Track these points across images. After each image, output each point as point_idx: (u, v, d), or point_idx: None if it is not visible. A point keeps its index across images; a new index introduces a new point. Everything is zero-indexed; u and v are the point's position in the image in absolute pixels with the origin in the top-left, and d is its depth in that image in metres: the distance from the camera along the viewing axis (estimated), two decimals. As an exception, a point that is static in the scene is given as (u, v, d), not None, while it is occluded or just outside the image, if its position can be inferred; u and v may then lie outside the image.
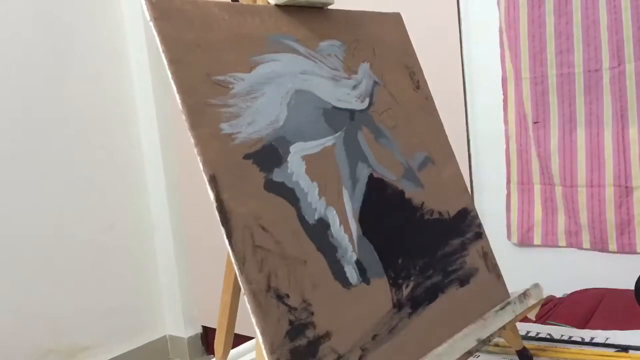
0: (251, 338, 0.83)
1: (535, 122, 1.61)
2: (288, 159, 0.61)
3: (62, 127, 2.24)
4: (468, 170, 1.77)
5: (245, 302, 0.54)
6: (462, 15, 1.72)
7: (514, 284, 0.84)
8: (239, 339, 0.84)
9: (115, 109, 2.43)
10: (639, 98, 1.48)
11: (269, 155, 0.60)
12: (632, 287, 1.17)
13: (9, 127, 2.10)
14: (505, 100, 1.67)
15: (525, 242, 1.67)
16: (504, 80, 1.65)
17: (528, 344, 0.89)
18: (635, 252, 1.51)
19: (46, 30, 2.21)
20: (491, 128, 1.74)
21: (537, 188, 1.67)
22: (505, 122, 1.68)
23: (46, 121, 2.20)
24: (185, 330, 2.57)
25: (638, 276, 1.16)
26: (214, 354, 0.79)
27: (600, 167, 1.57)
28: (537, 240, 1.66)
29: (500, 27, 1.64)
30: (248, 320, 0.54)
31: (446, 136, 0.82)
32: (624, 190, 1.53)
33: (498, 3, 1.62)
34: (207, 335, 2.61)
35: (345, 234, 0.63)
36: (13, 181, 2.10)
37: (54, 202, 2.20)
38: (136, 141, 2.50)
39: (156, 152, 2.49)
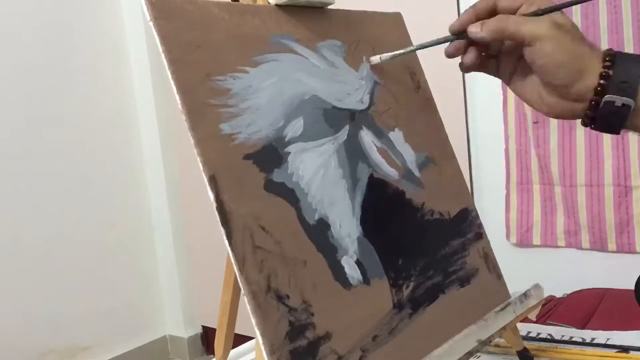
0: (251, 338, 0.83)
1: (535, 122, 1.61)
2: (288, 159, 0.61)
3: (62, 127, 2.24)
4: (468, 170, 1.77)
5: (245, 302, 0.54)
6: (462, 15, 1.72)
7: (513, 284, 0.83)
8: (239, 339, 0.84)
9: (115, 108, 2.44)
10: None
11: (269, 155, 0.60)
12: (632, 287, 1.17)
13: (9, 127, 2.10)
14: (504, 101, 1.67)
15: (524, 242, 1.68)
16: (504, 80, 1.65)
17: (529, 345, 0.89)
18: (634, 252, 1.51)
19: (46, 31, 2.21)
20: (491, 128, 1.74)
21: (536, 188, 1.67)
22: (505, 122, 1.68)
23: (46, 121, 2.20)
24: (185, 330, 2.57)
25: (638, 276, 1.16)
26: (214, 354, 0.79)
27: (599, 167, 1.57)
28: (536, 240, 1.66)
29: (501, 27, 1.64)
30: (248, 320, 0.54)
31: (447, 136, 0.82)
32: (623, 190, 1.53)
33: (498, 3, 1.62)
34: (207, 335, 2.61)
35: (346, 234, 0.63)
36: (13, 181, 2.10)
37: (54, 202, 2.20)
38: (136, 141, 2.51)
39: (156, 152, 2.50)
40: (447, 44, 0.67)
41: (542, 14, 0.58)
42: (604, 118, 0.56)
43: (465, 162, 1.77)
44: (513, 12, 0.60)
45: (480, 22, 0.60)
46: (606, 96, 0.55)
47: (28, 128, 2.14)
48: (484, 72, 0.68)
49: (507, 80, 0.66)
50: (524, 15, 0.59)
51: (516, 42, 0.60)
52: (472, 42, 0.64)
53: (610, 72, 0.55)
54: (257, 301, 0.53)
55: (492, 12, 0.61)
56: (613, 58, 0.55)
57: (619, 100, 0.54)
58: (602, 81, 0.55)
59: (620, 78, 0.54)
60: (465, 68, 0.66)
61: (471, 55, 0.64)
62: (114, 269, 2.38)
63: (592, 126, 0.58)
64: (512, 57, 0.64)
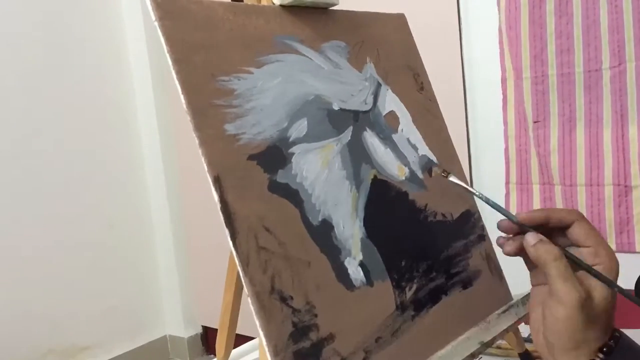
0: (252, 338, 0.83)
1: (535, 122, 1.61)
2: (292, 160, 0.61)
3: (62, 127, 2.24)
4: (468, 170, 1.77)
5: (246, 302, 0.54)
6: (462, 15, 1.72)
7: (516, 286, 0.83)
8: (240, 339, 0.84)
9: (115, 109, 2.43)
10: (639, 97, 1.48)
11: (273, 156, 0.60)
12: (632, 287, 1.17)
13: (9, 127, 2.10)
14: (504, 100, 1.67)
15: (525, 242, 1.67)
16: (504, 80, 1.65)
17: (531, 347, 0.89)
18: (634, 251, 1.51)
19: (46, 31, 2.21)
20: (491, 128, 1.74)
21: (536, 188, 1.67)
22: (505, 122, 1.68)
23: (46, 121, 2.19)
24: (185, 330, 2.57)
25: (638, 276, 1.16)
26: (214, 353, 0.79)
27: (599, 166, 1.57)
28: (537, 240, 1.66)
29: (500, 27, 1.64)
30: (248, 320, 0.54)
31: (450, 138, 0.82)
32: (623, 189, 1.53)
33: (498, 3, 1.62)
34: (207, 335, 2.61)
35: (349, 235, 0.63)
36: (13, 181, 2.10)
37: (53, 202, 2.20)
38: (136, 141, 2.50)
39: (156, 152, 2.49)
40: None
41: (584, 269, 0.56)
42: None
43: (465, 162, 1.77)
44: (576, 244, 0.58)
45: (539, 239, 0.57)
46: None
47: (28, 128, 2.14)
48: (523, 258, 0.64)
49: (533, 283, 0.64)
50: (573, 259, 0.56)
51: None
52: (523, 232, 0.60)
53: None
54: (261, 302, 0.53)
55: (564, 228, 0.59)
56: (611, 350, 0.55)
57: None
58: None
59: None
60: (504, 251, 0.63)
61: (514, 246, 0.61)
62: (114, 268, 2.38)
63: None
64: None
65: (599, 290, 0.56)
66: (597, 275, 0.56)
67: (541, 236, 0.58)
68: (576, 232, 0.58)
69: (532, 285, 0.63)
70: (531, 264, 0.62)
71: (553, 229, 0.59)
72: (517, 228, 0.61)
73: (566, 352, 0.55)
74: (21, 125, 2.12)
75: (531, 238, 0.58)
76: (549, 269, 0.55)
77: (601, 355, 0.55)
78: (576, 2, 1.51)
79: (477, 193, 0.66)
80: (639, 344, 0.59)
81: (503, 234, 0.63)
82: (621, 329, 1.00)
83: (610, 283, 0.57)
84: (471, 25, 1.72)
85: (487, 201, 0.65)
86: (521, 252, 0.61)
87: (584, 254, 0.58)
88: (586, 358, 0.55)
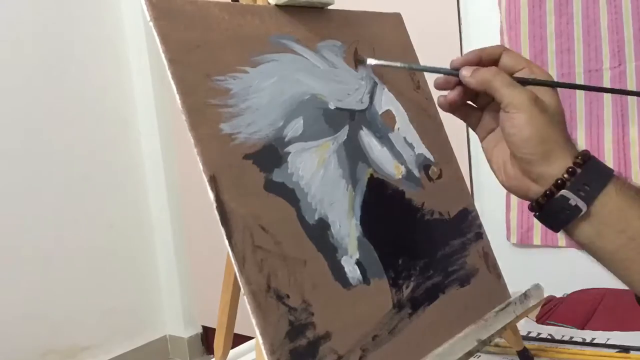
0: (251, 338, 0.83)
1: (535, 122, 1.60)
2: (288, 159, 0.61)
3: (62, 127, 2.24)
4: (468, 170, 1.76)
5: (245, 302, 0.54)
6: (462, 15, 1.72)
7: (513, 284, 0.84)
8: (239, 339, 0.84)
9: (115, 108, 2.44)
10: (639, 98, 1.48)
11: (269, 155, 0.60)
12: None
13: (8, 127, 2.10)
14: (505, 101, 1.67)
15: (524, 242, 1.67)
16: (504, 80, 1.65)
17: (529, 345, 0.89)
18: (635, 252, 1.51)
19: (46, 31, 2.21)
20: (491, 128, 1.73)
21: (537, 188, 1.67)
22: (506, 122, 1.68)
23: (46, 121, 2.20)
24: (185, 330, 2.57)
25: (638, 276, 1.16)
26: (214, 353, 0.79)
27: (600, 167, 1.56)
28: (536, 240, 1.66)
29: (501, 28, 1.64)
30: (248, 320, 0.54)
31: (447, 136, 0.82)
32: (624, 190, 1.53)
33: (499, 3, 1.62)
34: (207, 335, 2.61)
35: (346, 234, 0.63)
36: (13, 181, 2.10)
37: (53, 202, 2.20)
38: (136, 141, 2.51)
39: (156, 152, 2.50)
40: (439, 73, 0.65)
41: (531, 84, 0.57)
42: (552, 210, 0.55)
43: (465, 162, 1.77)
44: (511, 71, 0.59)
45: (474, 67, 0.59)
46: (563, 190, 0.54)
47: (28, 128, 2.14)
48: (463, 120, 0.66)
49: (482, 137, 0.65)
50: (517, 78, 0.58)
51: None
52: (462, 83, 0.62)
53: (578, 171, 0.54)
54: (257, 301, 0.53)
55: (495, 62, 0.61)
56: (586, 158, 0.54)
57: (574, 200, 0.53)
58: (566, 175, 0.54)
59: (584, 180, 0.53)
60: (444, 105, 0.64)
61: (454, 94, 0.63)
62: (114, 269, 2.38)
63: (536, 214, 0.57)
64: (494, 117, 0.62)
65: (543, 92, 0.57)
66: (538, 82, 0.58)
67: (475, 67, 0.59)
68: (507, 60, 0.60)
69: (481, 139, 0.65)
70: (474, 117, 0.64)
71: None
72: (454, 80, 0.62)
73: (543, 160, 0.55)
74: (21, 126, 2.13)
75: (466, 71, 0.59)
76: (493, 84, 0.57)
77: (579, 161, 0.54)
78: (576, 2, 1.51)
79: (403, 65, 0.72)
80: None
81: (444, 93, 0.64)
82: (620, 331, 1.01)
83: (553, 83, 0.58)
84: (471, 25, 1.72)
85: (418, 68, 0.71)
86: (461, 100, 0.63)
87: (521, 75, 0.59)
88: (563, 162, 0.54)
